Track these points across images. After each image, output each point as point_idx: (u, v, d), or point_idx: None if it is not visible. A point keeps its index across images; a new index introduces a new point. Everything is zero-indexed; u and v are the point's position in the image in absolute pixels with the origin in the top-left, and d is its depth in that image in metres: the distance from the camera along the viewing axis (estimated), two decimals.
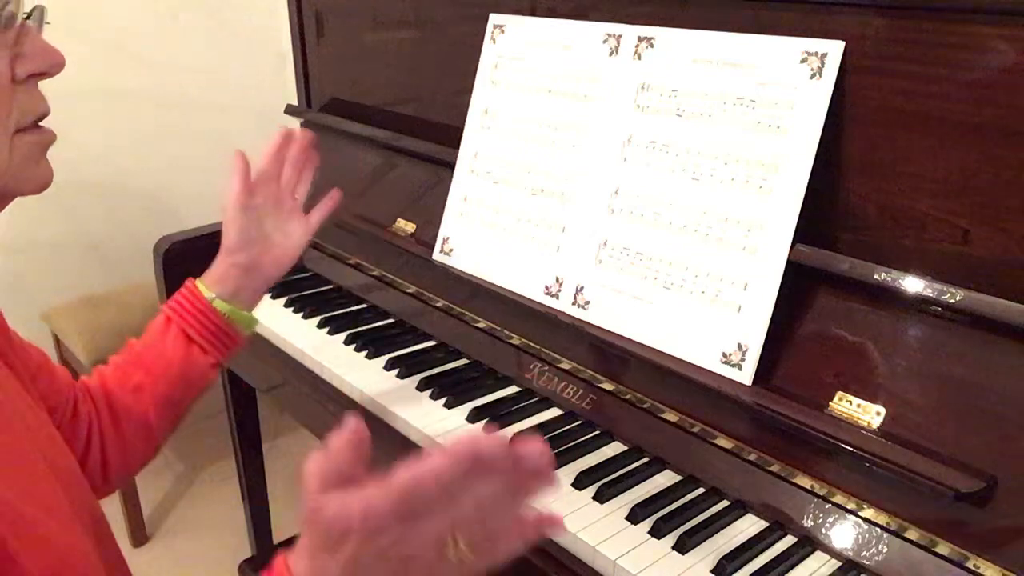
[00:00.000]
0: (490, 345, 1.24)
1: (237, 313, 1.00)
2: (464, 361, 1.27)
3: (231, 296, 1.00)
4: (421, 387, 1.18)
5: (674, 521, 0.90)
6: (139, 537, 2.12)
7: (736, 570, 0.85)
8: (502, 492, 0.60)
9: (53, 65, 0.70)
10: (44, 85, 0.72)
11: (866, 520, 0.84)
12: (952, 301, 0.82)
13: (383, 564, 0.57)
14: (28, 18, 0.69)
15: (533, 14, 1.25)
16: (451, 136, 1.33)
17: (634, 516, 0.92)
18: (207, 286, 0.99)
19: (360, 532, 0.56)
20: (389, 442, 1.11)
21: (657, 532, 0.89)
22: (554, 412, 1.13)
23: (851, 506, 0.86)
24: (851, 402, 0.88)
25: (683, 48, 1.04)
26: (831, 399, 0.89)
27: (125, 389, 0.95)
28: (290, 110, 1.77)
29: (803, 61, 0.92)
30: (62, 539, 0.69)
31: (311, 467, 0.58)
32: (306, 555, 0.59)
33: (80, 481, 0.81)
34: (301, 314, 1.42)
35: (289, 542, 0.74)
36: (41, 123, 0.72)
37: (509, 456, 0.59)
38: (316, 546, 0.58)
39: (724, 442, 0.96)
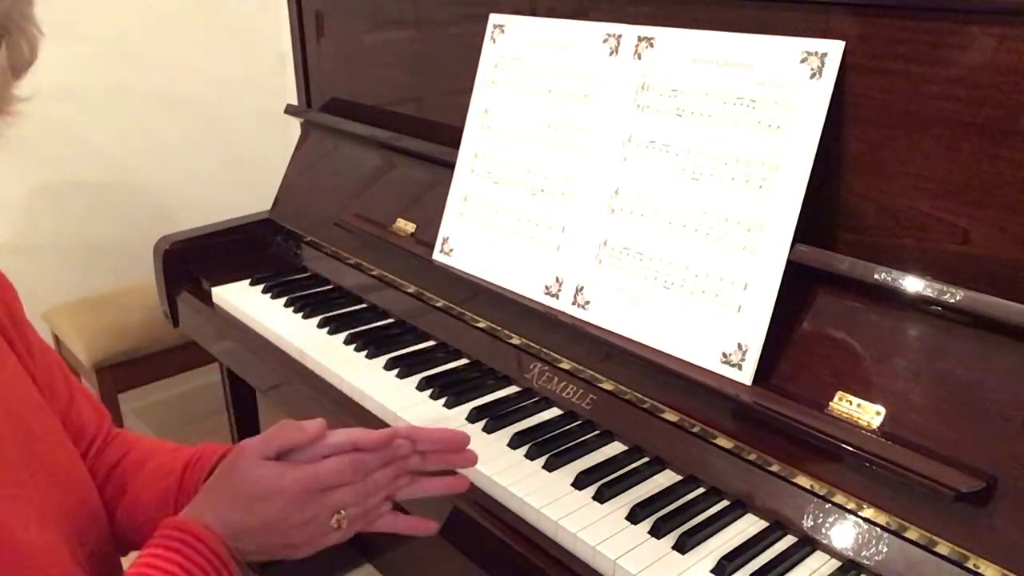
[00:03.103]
0: (490, 345, 1.24)
1: None
2: (464, 361, 1.27)
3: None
4: (421, 387, 1.18)
5: (674, 521, 0.90)
6: None
7: (736, 570, 0.85)
8: (392, 477, 0.77)
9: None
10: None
11: (866, 520, 0.84)
12: (952, 301, 0.82)
13: (285, 524, 0.71)
14: None
15: (533, 14, 1.25)
16: (451, 136, 1.33)
17: (634, 516, 0.92)
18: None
19: (284, 496, 0.70)
20: None
21: (657, 532, 0.89)
22: (554, 412, 1.13)
23: (851, 506, 0.86)
24: (851, 402, 0.88)
25: (683, 48, 1.04)
26: (831, 399, 0.89)
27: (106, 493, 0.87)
28: (290, 110, 1.77)
29: (803, 61, 0.92)
30: (22, 534, 0.67)
31: (283, 433, 0.73)
32: (214, 507, 0.71)
33: (69, 476, 0.77)
34: (301, 314, 1.42)
35: None
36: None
37: (413, 448, 0.78)
38: (230, 497, 0.70)
39: (724, 442, 0.96)
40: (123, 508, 0.86)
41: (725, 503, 0.95)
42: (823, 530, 0.87)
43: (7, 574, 0.64)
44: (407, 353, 1.28)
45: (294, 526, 0.71)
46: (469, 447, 0.84)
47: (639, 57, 1.08)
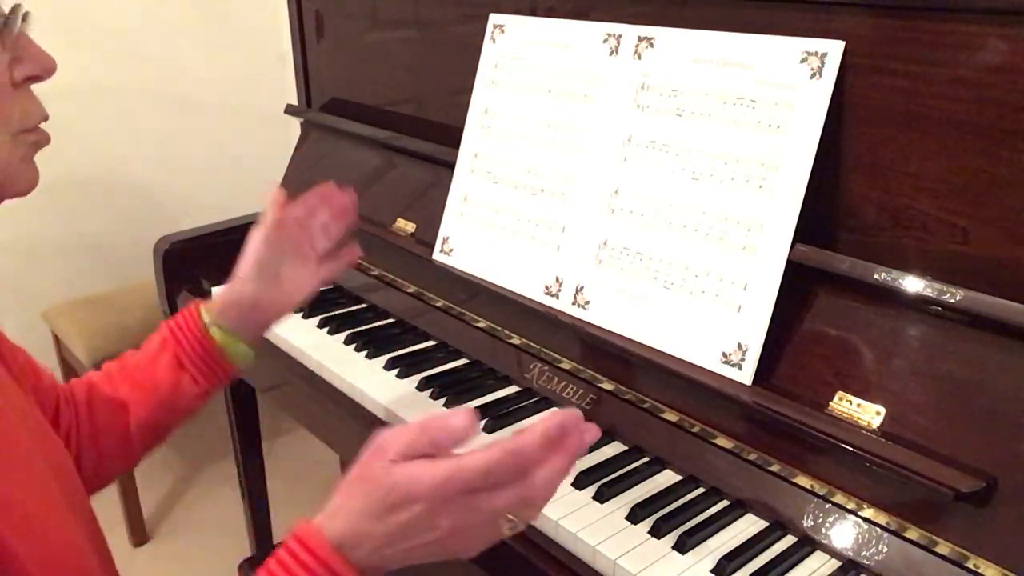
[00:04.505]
0: (490, 345, 1.24)
1: (233, 345, 0.98)
2: (464, 361, 1.27)
3: (232, 326, 0.98)
4: (421, 387, 1.18)
5: (674, 521, 0.90)
6: (139, 537, 2.12)
7: (736, 570, 0.85)
8: (565, 472, 0.62)
9: (46, 69, 0.72)
10: (45, 84, 0.73)
11: (866, 520, 0.84)
12: (952, 301, 0.82)
13: (432, 535, 0.60)
14: (22, 22, 0.70)
15: (533, 14, 1.25)
16: (451, 136, 1.33)
17: (634, 516, 0.92)
18: (209, 311, 0.98)
19: (429, 502, 0.59)
20: None
21: (657, 532, 0.89)
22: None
23: (851, 506, 0.86)
24: (851, 402, 0.88)
25: (683, 48, 1.04)
26: (831, 399, 0.89)
27: (111, 403, 0.94)
28: (290, 110, 1.77)
29: (803, 61, 0.92)
30: (57, 533, 0.69)
31: (428, 434, 0.61)
32: (346, 518, 0.61)
33: (73, 474, 0.81)
34: (301, 314, 1.42)
35: None
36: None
37: (579, 430, 0.62)
38: (364, 510, 0.60)
39: (724, 442, 0.96)
40: (142, 402, 0.94)
41: (725, 503, 0.95)
42: (823, 530, 0.87)
43: (30, 542, 0.65)
44: (407, 353, 1.28)
45: (446, 534, 0.61)
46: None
47: (639, 57, 1.08)
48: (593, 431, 0.64)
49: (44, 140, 0.74)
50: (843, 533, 0.86)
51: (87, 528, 0.77)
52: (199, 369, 0.96)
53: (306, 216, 1.04)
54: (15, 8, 0.69)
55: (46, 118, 0.74)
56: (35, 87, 0.73)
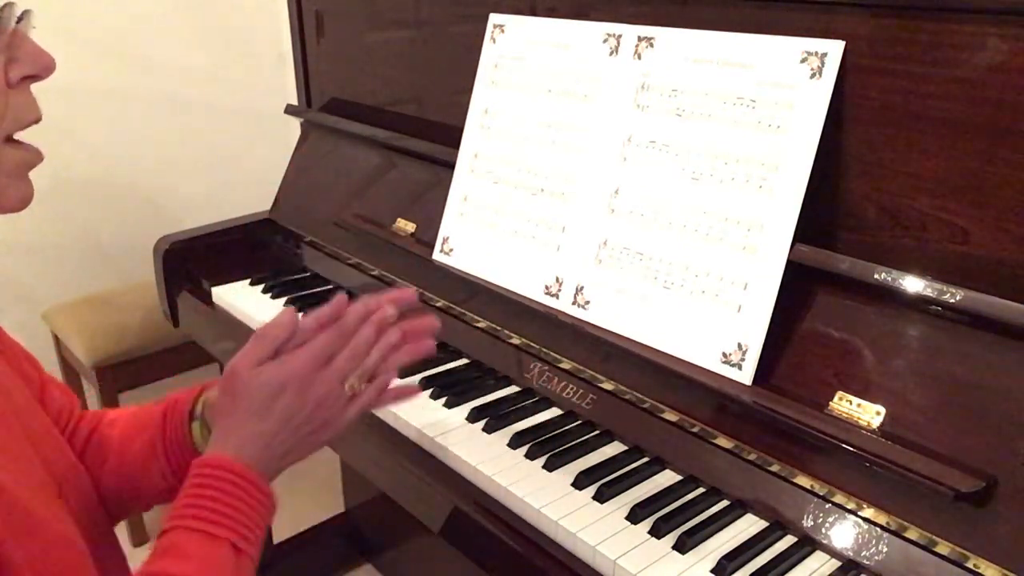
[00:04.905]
0: (490, 345, 1.24)
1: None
2: (464, 361, 1.27)
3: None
4: (421, 386, 1.18)
5: (674, 521, 0.90)
6: (139, 537, 2.12)
7: (736, 570, 0.85)
8: (376, 330, 0.79)
9: (44, 68, 0.71)
10: (46, 83, 0.73)
11: (866, 520, 0.84)
12: (952, 301, 0.82)
13: (305, 411, 0.74)
14: (19, 22, 0.69)
15: (533, 14, 1.25)
16: (451, 136, 1.33)
17: (634, 516, 0.92)
18: (207, 401, 0.87)
19: (296, 380, 0.73)
20: (389, 441, 1.11)
21: (657, 532, 0.89)
22: (554, 412, 1.13)
23: (851, 506, 0.86)
24: (851, 402, 0.88)
25: (683, 48, 1.04)
26: (831, 399, 0.89)
27: (100, 451, 0.90)
28: (290, 110, 1.77)
29: (803, 61, 0.92)
30: (49, 527, 0.69)
31: (266, 337, 0.76)
32: (235, 433, 0.73)
33: (69, 466, 0.80)
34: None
35: (289, 542, 0.74)
36: (27, 140, 0.73)
37: (379, 306, 0.80)
38: (247, 417, 0.73)
39: (724, 442, 0.96)
40: (109, 470, 0.89)
41: (725, 503, 0.95)
42: (823, 530, 0.87)
43: (22, 538, 0.65)
44: None
45: (313, 408, 0.74)
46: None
47: (639, 57, 1.08)
48: (407, 294, 0.84)
49: (35, 159, 0.73)
50: (843, 533, 0.86)
51: (84, 522, 0.76)
52: (170, 463, 0.87)
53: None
54: (7, 6, 0.68)
55: (38, 119, 0.72)
56: (36, 86, 0.72)
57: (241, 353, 0.76)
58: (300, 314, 0.80)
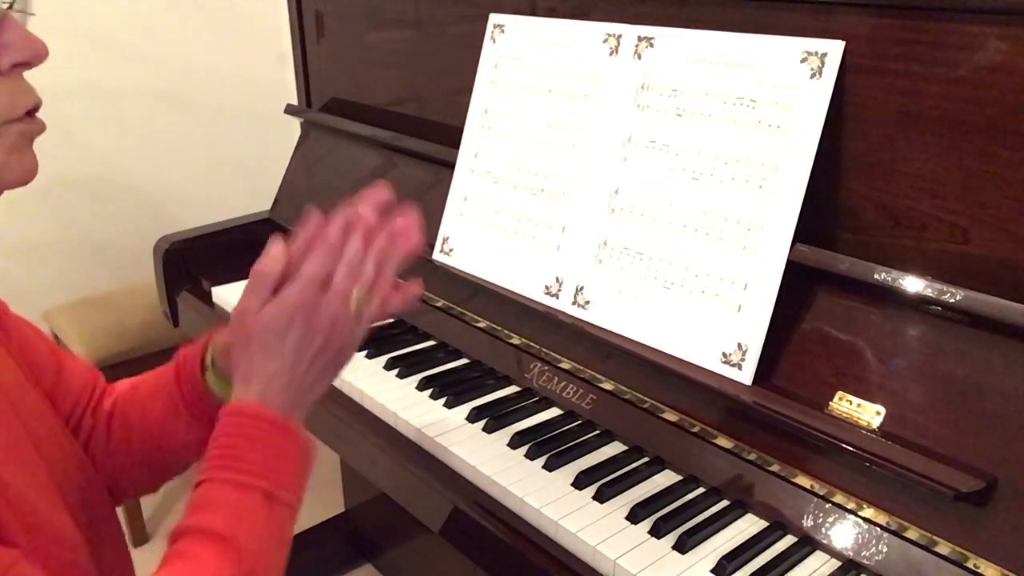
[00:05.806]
0: (490, 345, 1.24)
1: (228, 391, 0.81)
2: (464, 361, 1.27)
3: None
4: (421, 387, 1.18)
5: (674, 521, 0.90)
6: (139, 537, 2.12)
7: (736, 570, 0.85)
8: (363, 243, 0.75)
9: (35, 55, 0.68)
10: (45, 84, 0.72)
11: (866, 520, 0.84)
12: (952, 301, 0.82)
13: (318, 339, 0.72)
14: (10, 7, 0.67)
15: (533, 14, 1.25)
16: (451, 136, 1.33)
17: (634, 516, 0.92)
18: (215, 347, 0.87)
19: (301, 310, 0.71)
20: (389, 442, 1.11)
21: (657, 532, 0.89)
22: (554, 412, 1.13)
23: (851, 506, 0.86)
24: (851, 402, 0.88)
25: (683, 48, 1.04)
26: (831, 399, 0.89)
27: (112, 439, 0.90)
28: (290, 110, 1.77)
29: (803, 61, 0.92)
30: (50, 520, 0.68)
31: (263, 274, 0.74)
32: (255, 376, 0.72)
33: (67, 457, 0.79)
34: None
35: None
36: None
37: (357, 213, 0.76)
38: (264, 357, 0.72)
39: (724, 442, 0.96)
40: (137, 437, 0.89)
41: (725, 503, 0.95)
42: (823, 530, 0.87)
43: (30, 534, 0.65)
44: (407, 353, 1.28)
45: (326, 333, 0.72)
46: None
47: (639, 57, 1.08)
48: (380, 193, 0.78)
49: (37, 128, 0.70)
50: (843, 533, 0.86)
51: (83, 516, 0.76)
52: (195, 417, 0.87)
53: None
54: None
55: (38, 105, 0.70)
56: (36, 86, 0.72)
57: (243, 297, 0.75)
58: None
